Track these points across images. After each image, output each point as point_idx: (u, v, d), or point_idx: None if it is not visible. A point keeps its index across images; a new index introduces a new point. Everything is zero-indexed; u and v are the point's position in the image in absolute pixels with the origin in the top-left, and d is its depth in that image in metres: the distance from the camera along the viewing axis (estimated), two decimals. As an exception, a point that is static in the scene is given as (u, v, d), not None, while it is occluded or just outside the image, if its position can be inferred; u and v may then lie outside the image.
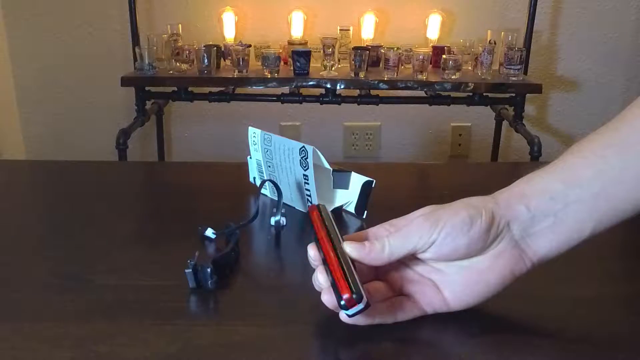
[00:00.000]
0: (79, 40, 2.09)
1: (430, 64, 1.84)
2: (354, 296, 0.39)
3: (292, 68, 1.79)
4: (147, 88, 1.87)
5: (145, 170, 0.95)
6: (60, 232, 0.62)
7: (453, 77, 1.77)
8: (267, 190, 0.70)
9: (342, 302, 0.40)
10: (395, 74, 1.79)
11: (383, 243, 0.42)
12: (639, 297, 0.50)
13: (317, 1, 2.05)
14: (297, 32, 2.00)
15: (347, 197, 0.65)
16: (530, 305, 0.47)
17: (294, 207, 0.67)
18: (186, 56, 1.81)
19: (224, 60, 1.89)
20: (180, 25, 1.92)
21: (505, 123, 2.03)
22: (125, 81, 1.79)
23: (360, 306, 0.40)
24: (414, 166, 1.02)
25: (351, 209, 0.65)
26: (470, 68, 1.88)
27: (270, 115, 2.13)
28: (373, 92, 1.87)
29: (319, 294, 0.42)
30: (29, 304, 0.47)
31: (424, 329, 0.44)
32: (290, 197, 0.67)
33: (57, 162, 0.93)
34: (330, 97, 1.84)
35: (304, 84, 1.79)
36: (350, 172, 0.65)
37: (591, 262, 0.54)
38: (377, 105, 1.91)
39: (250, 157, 0.69)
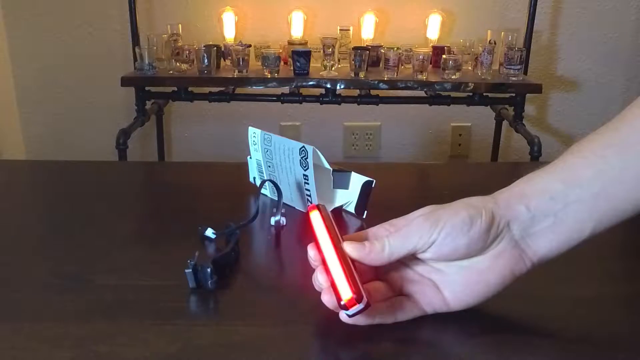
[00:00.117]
0: (79, 40, 2.09)
1: (430, 64, 1.84)
2: (354, 296, 0.39)
3: (292, 68, 1.79)
4: (147, 88, 1.88)
5: (145, 170, 0.95)
6: (60, 232, 0.62)
7: (453, 77, 1.77)
8: (267, 190, 0.70)
9: (342, 302, 0.40)
10: (395, 74, 1.79)
11: (383, 243, 0.42)
12: (639, 297, 0.50)
13: (317, 1, 2.05)
14: (297, 32, 2.00)
15: (347, 197, 0.65)
16: (530, 305, 0.47)
17: (294, 207, 0.67)
18: (186, 56, 1.81)
19: (224, 60, 1.90)
20: (180, 25, 1.92)
21: (505, 123, 2.03)
22: (125, 81, 1.79)
23: (360, 306, 0.40)
24: (414, 166, 1.02)
25: (351, 209, 0.65)
26: (470, 68, 1.88)
27: (270, 115, 2.13)
28: (373, 92, 1.87)
29: (319, 294, 0.42)
30: (29, 304, 0.47)
31: (424, 329, 0.44)
32: (290, 197, 0.67)
33: (57, 162, 0.93)
34: (330, 97, 1.84)
35: (304, 84, 1.79)
36: (350, 172, 0.65)
37: (591, 262, 0.54)
38: (377, 105, 1.91)
39: (250, 157, 0.69)
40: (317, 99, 1.86)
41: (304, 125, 2.20)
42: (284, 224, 0.62)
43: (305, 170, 0.62)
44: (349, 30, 1.96)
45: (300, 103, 1.89)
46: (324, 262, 0.43)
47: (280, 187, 0.63)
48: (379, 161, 2.19)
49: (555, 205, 0.41)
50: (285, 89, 1.84)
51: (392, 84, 1.77)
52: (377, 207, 0.63)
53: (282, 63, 1.82)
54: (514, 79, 1.79)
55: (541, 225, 0.42)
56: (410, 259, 0.45)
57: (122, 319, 0.45)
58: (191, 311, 0.48)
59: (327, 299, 0.42)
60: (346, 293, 0.40)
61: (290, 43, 1.91)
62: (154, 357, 0.41)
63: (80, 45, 2.09)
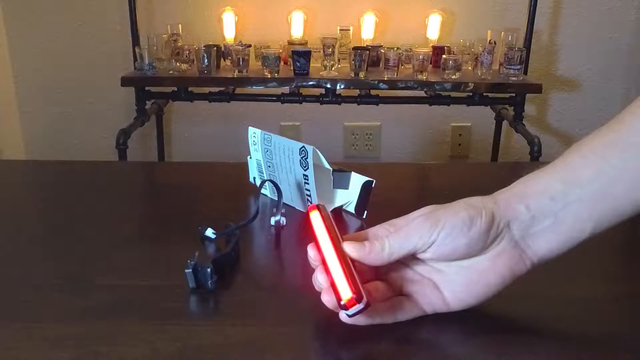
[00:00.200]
0: (79, 40, 2.09)
1: (430, 64, 1.84)
2: (354, 296, 0.39)
3: (292, 68, 1.79)
4: (147, 88, 1.88)
5: (145, 170, 0.95)
6: (60, 232, 0.62)
7: (453, 77, 1.77)
8: (267, 190, 0.70)
9: (342, 302, 0.40)
10: (395, 74, 1.79)
11: (383, 243, 0.42)
12: (639, 297, 0.50)
13: (317, 1, 2.05)
14: (297, 32, 2.00)
15: (347, 197, 0.65)
16: (530, 305, 0.47)
17: (294, 207, 0.67)
18: (186, 56, 1.81)
19: (224, 60, 1.90)
20: (180, 25, 1.92)
21: (505, 123, 2.03)
22: (125, 81, 1.79)
23: (360, 306, 0.40)
24: (414, 166, 1.02)
25: (351, 209, 0.65)
26: (470, 68, 1.88)
27: (270, 115, 2.13)
28: (373, 92, 1.87)
29: (319, 294, 0.42)
30: (29, 304, 0.47)
31: (424, 329, 0.44)
32: (290, 197, 0.67)
33: (57, 162, 0.93)
34: (330, 97, 1.84)
35: (304, 84, 1.79)
36: (350, 172, 0.65)
37: (591, 262, 0.54)
38: (377, 105, 1.91)
39: (250, 157, 0.69)
40: (317, 99, 1.86)
41: (304, 125, 2.20)
42: (284, 224, 0.62)
43: (305, 170, 0.62)
44: (349, 30, 1.96)
45: (300, 103, 1.89)
46: (323, 262, 0.43)
47: (280, 187, 0.63)
48: (379, 161, 2.19)
49: (555, 206, 0.41)
50: (285, 89, 1.84)
51: (392, 84, 1.77)
52: (377, 207, 0.63)
53: (282, 63, 1.82)
54: (514, 79, 1.79)
55: (541, 225, 0.42)
56: (410, 259, 0.45)
57: (122, 319, 0.45)
58: (191, 311, 0.48)
59: (327, 299, 0.42)
60: (346, 293, 0.40)
61: (290, 43, 1.91)
62: (154, 357, 0.41)
63: (80, 45, 2.09)
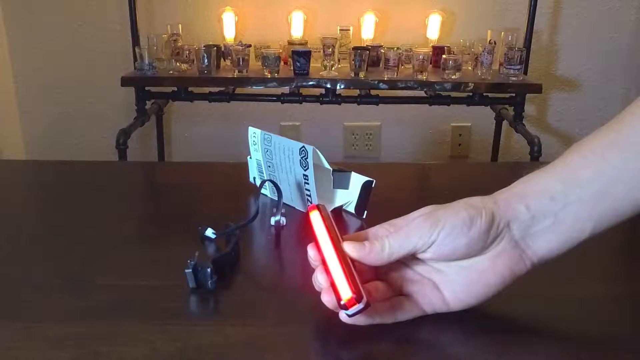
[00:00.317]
0: (79, 40, 2.09)
1: (430, 64, 1.84)
2: (354, 296, 0.39)
3: (292, 68, 1.79)
4: (147, 88, 1.88)
5: (145, 170, 0.95)
6: (60, 232, 0.62)
7: (453, 77, 1.77)
8: (267, 190, 0.70)
9: (342, 302, 0.40)
10: (395, 74, 1.79)
11: (383, 243, 0.42)
12: (639, 297, 0.50)
13: (317, 1, 2.05)
14: (297, 32, 2.00)
15: (347, 197, 0.65)
16: (530, 305, 0.47)
17: (294, 207, 0.67)
18: (186, 56, 1.81)
19: (224, 60, 1.90)
20: (180, 25, 1.92)
21: (505, 123, 2.03)
22: (125, 81, 1.79)
23: (360, 306, 0.40)
24: (414, 166, 1.02)
25: (351, 209, 0.65)
26: (470, 68, 1.88)
27: (270, 115, 2.13)
28: (373, 92, 1.87)
29: (319, 294, 0.42)
30: (29, 304, 0.47)
31: (424, 329, 0.44)
32: (290, 197, 0.67)
33: (57, 162, 0.93)
34: (330, 97, 1.84)
35: (304, 84, 1.79)
36: (350, 172, 0.65)
37: (591, 262, 0.54)
38: (377, 105, 1.91)
39: (250, 157, 0.69)
40: (317, 99, 1.86)
41: (304, 125, 2.20)
42: (284, 224, 0.62)
43: (305, 170, 0.62)
44: (349, 30, 1.96)
45: (300, 103, 1.89)
46: (323, 262, 0.43)
47: (280, 187, 0.63)
48: (379, 161, 2.19)
49: (555, 206, 0.41)
50: (285, 89, 1.84)
51: (392, 84, 1.77)
52: (377, 207, 0.63)
53: (282, 63, 1.82)
54: (514, 79, 1.79)
55: (541, 225, 0.42)
56: (410, 259, 0.45)
57: (122, 319, 0.45)
58: (191, 311, 0.48)
59: (327, 299, 0.42)
60: (346, 293, 0.40)
61: (290, 43, 1.91)
62: (154, 357, 0.41)
63: (80, 45, 2.09)
